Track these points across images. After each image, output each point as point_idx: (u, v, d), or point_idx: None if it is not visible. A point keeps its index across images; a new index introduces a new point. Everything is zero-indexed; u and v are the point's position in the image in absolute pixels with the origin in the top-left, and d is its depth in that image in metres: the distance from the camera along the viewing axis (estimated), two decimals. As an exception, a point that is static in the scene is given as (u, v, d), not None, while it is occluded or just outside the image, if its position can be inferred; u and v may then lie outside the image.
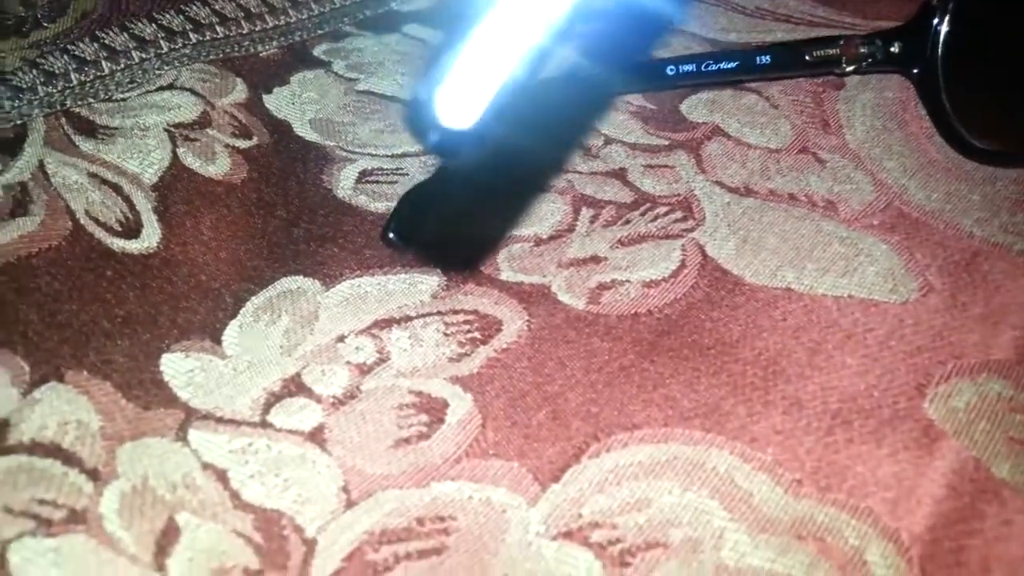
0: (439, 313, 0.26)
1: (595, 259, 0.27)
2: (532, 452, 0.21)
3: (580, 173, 0.31)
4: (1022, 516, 0.19)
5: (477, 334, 0.25)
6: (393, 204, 0.30)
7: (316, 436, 0.22)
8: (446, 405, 0.23)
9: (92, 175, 0.29)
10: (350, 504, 0.20)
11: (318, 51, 0.40)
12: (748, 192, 0.30)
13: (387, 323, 0.25)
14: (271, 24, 0.42)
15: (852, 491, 0.20)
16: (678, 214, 0.29)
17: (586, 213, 0.29)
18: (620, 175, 0.31)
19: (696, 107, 0.34)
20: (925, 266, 0.26)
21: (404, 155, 0.33)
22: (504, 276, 0.27)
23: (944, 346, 0.23)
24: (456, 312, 0.26)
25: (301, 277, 0.27)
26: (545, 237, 0.28)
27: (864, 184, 0.30)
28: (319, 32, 0.42)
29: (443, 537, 0.19)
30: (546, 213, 0.29)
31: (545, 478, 0.21)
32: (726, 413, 0.22)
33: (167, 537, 0.20)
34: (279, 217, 0.30)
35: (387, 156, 0.33)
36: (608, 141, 0.33)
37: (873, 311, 0.24)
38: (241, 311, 0.26)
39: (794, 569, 0.18)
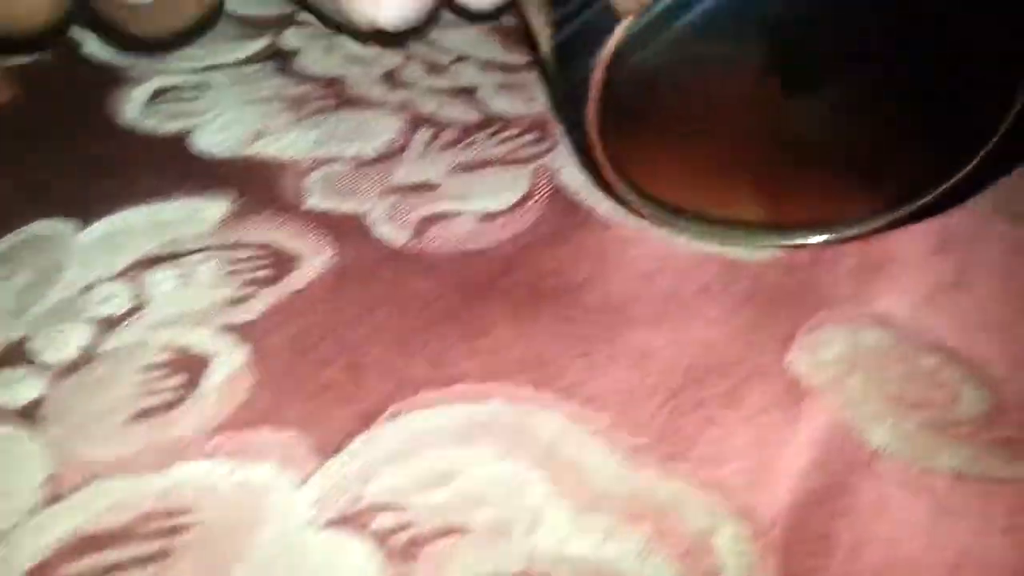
0: (221, 247, 0.21)
1: (427, 186, 0.23)
2: (315, 417, 0.17)
3: (423, 88, 0.26)
4: (899, 491, 0.16)
5: (267, 272, 0.20)
6: (192, 122, 0.25)
7: (29, 413, 0.17)
8: (209, 362, 0.18)
9: None
10: (54, 499, 0.15)
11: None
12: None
13: (152, 262, 0.20)
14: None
15: (701, 462, 0.16)
16: (530, 136, 0.25)
17: (424, 133, 0.25)
18: (468, 93, 0.26)
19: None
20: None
21: (210, 68, 0.27)
22: (311, 203, 0.22)
23: (813, 298, 0.19)
24: (243, 246, 0.21)
25: (58, 219, 0.21)
26: (370, 158, 0.24)
27: None
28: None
29: (171, 538, 0.15)
30: (375, 130, 0.25)
31: (328, 450, 0.16)
32: (562, 367, 0.18)
33: None
34: (47, 149, 0.24)
35: (190, 72, 0.27)
36: (460, 57, 0.28)
37: (734, 264, 0.20)
38: (-32, 257, 0.20)
39: (623, 557, 0.14)
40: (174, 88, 0.26)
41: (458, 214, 0.22)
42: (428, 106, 0.26)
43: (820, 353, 0.18)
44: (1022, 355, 0.18)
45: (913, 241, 0.21)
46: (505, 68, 0.28)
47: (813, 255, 0.21)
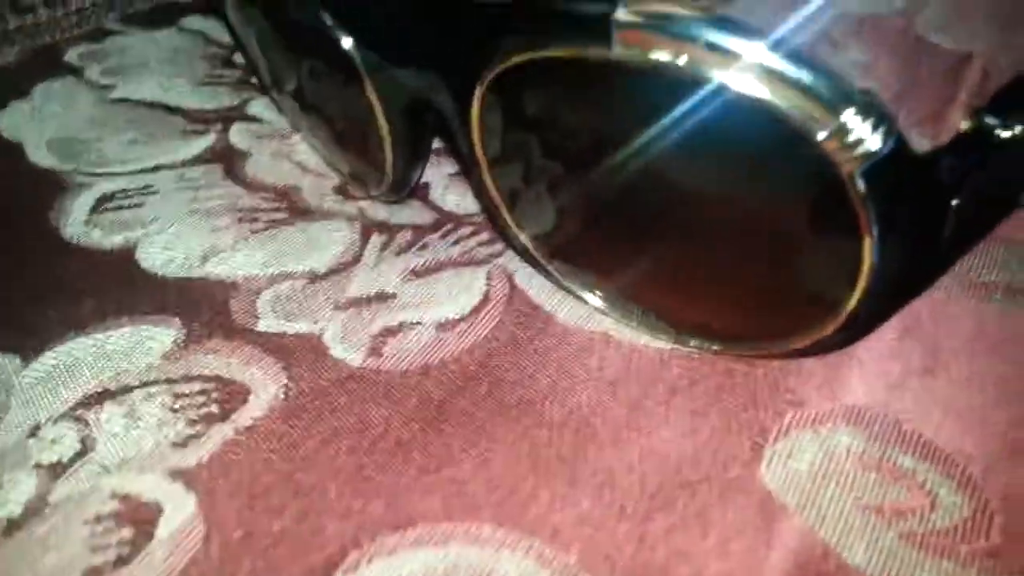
0: (168, 381, 0.20)
1: (381, 296, 0.22)
2: (270, 571, 0.16)
3: (373, 198, 0.26)
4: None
5: (215, 407, 0.19)
6: (138, 234, 0.24)
7: (-34, 578, 0.16)
8: (159, 511, 0.17)
9: None
10: None
11: (72, 55, 0.33)
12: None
13: (98, 399, 0.19)
14: (13, 25, 0.35)
15: (674, 601, 0.15)
16: (484, 235, 0.24)
17: (377, 240, 0.24)
18: (421, 192, 0.26)
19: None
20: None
21: (157, 168, 0.27)
22: (262, 326, 0.21)
23: (782, 394, 0.19)
24: (191, 379, 0.20)
25: (-1, 354, 0.21)
26: (323, 272, 0.23)
27: None
28: (76, 32, 0.35)
29: None
30: (328, 242, 0.24)
31: (283, 608, 0.15)
32: (525, 498, 0.17)
33: None
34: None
35: (135, 172, 0.27)
36: (412, 151, 0.28)
37: (700, 361, 0.20)
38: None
39: None
40: (119, 193, 0.26)
41: (416, 324, 0.21)
42: (380, 213, 0.25)
43: (792, 463, 0.17)
44: (1000, 447, 0.18)
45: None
46: (451, 154, 0.27)
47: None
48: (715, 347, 0.19)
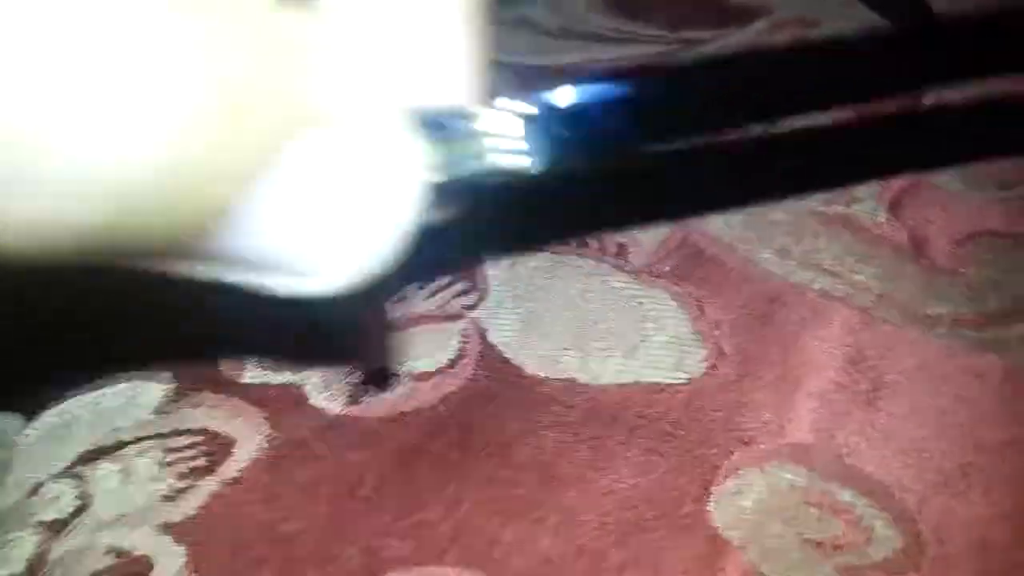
0: (159, 436, 0.21)
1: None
2: (254, 617, 0.17)
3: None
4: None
5: (203, 460, 0.21)
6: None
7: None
8: (151, 566, 0.18)
9: None
10: None
11: None
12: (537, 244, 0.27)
13: (94, 456, 0.21)
14: None
15: (625, 636, 0.16)
16: (461, 286, 0.25)
17: (356, 290, 0.25)
18: (399, 240, 0.27)
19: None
20: (716, 324, 0.23)
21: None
22: (248, 377, 0.23)
23: (732, 431, 0.20)
24: (180, 433, 0.21)
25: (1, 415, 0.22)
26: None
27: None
28: None
29: None
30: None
31: (267, 652, 0.17)
32: (491, 538, 0.18)
33: None
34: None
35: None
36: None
37: (658, 397, 0.21)
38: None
39: None
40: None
41: (395, 374, 0.23)
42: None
43: (739, 500, 0.19)
44: (937, 480, 0.19)
45: (826, 353, 0.22)
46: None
47: (738, 370, 0.22)
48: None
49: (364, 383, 0.22)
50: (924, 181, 0.27)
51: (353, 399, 0.22)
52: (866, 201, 0.26)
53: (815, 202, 0.27)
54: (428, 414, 0.21)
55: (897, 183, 0.27)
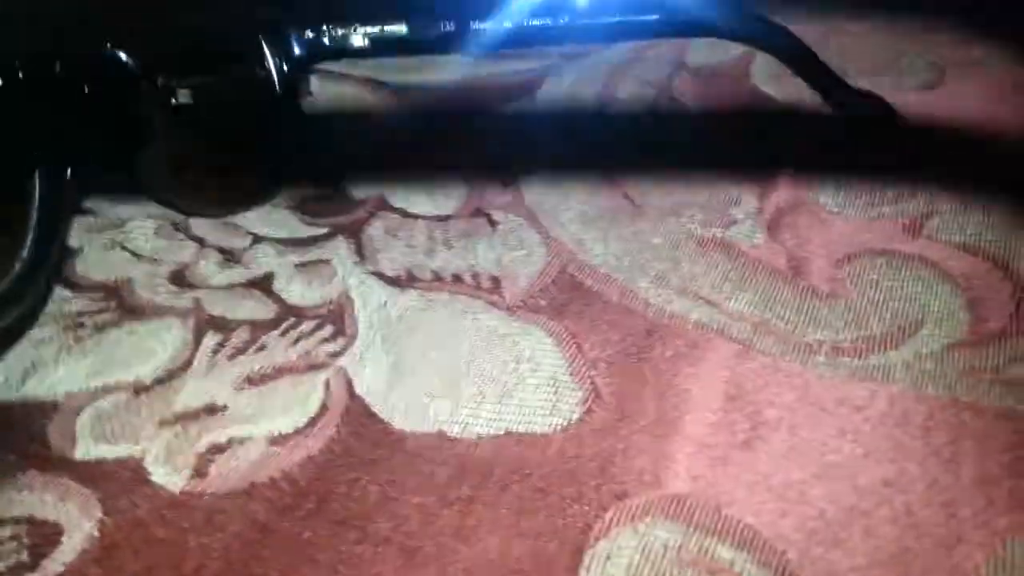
0: (-26, 530, 0.19)
1: (211, 409, 0.21)
2: None
3: (213, 288, 0.25)
4: None
5: (25, 555, 0.18)
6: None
7: None
8: None
9: None
10: None
11: None
12: (410, 281, 0.25)
13: None
14: None
15: None
16: (326, 331, 0.24)
17: (210, 340, 0.23)
18: (264, 284, 0.25)
19: (362, 180, 0.29)
20: (593, 362, 0.22)
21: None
22: (80, 452, 0.20)
23: (607, 483, 0.19)
24: (2, 523, 0.19)
25: None
26: (149, 382, 0.22)
27: (535, 246, 0.26)
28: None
29: None
30: (157, 346, 0.23)
31: None
32: (343, 628, 0.17)
33: None
34: None
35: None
36: (257, 240, 0.27)
37: (531, 449, 0.20)
38: None
39: None
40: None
41: (246, 439, 0.21)
42: (218, 307, 0.24)
43: (610, 567, 0.17)
44: (818, 527, 0.18)
45: (703, 391, 0.21)
46: (303, 244, 0.27)
47: (615, 413, 0.20)
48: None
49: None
50: (802, 201, 0.26)
51: (199, 472, 0.20)
52: (744, 223, 0.26)
53: (694, 224, 0.26)
54: (283, 484, 0.20)
55: (776, 203, 0.26)
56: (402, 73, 0.34)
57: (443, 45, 0.26)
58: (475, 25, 0.26)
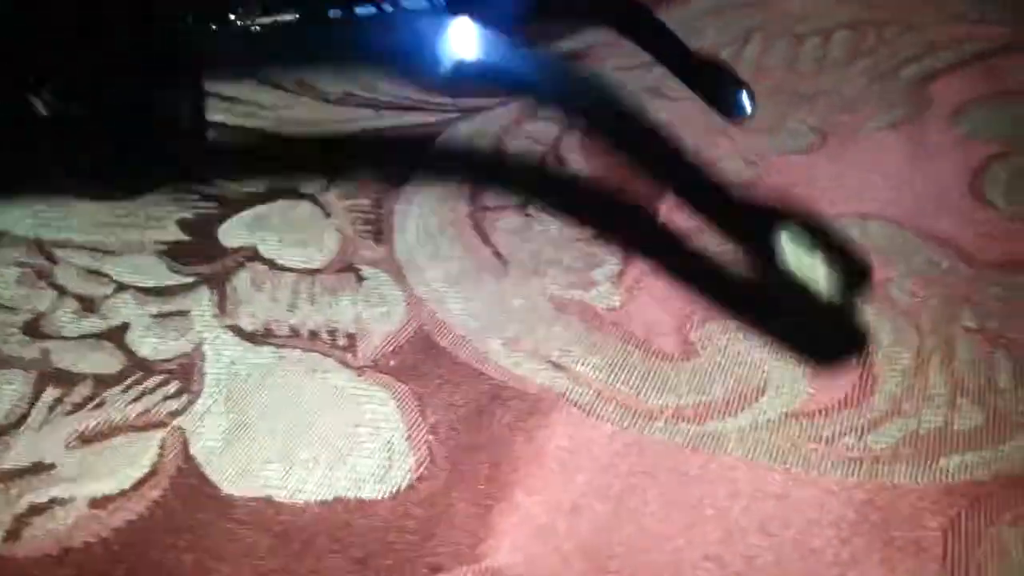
0: None
1: (38, 468, 0.21)
2: None
3: (65, 339, 0.25)
4: None
5: None
6: None
7: None
8: None
9: None
10: None
11: None
12: (266, 336, 0.24)
13: None
14: None
15: None
16: (171, 387, 0.23)
17: (50, 394, 0.23)
18: (117, 335, 0.25)
19: (235, 227, 0.29)
20: (433, 427, 0.22)
21: None
22: None
23: (423, 556, 0.19)
24: None
25: None
26: (-20, 439, 0.22)
27: (396, 304, 0.25)
28: None
29: None
30: (-7, 401, 0.23)
31: None
32: None
33: None
34: None
35: None
36: (120, 288, 0.27)
37: (356, 518, 0.20)
38: None
39: None
40: None
41: (67, 502, 0.20)
42: (66, 359, 0.24)
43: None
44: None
45: (537, 459, 0.21)
46: (165, 293, 0.26)
47: (445, 481, 0.20)
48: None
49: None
50: (662, 265, 0.26)
51: (14, 534, 0.19)
52: (603, 285, 0.26)
53: (556, 285, 0.26)
54: (97, 550, 0.19)
55: (636, 268, 0.26)
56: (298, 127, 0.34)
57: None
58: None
